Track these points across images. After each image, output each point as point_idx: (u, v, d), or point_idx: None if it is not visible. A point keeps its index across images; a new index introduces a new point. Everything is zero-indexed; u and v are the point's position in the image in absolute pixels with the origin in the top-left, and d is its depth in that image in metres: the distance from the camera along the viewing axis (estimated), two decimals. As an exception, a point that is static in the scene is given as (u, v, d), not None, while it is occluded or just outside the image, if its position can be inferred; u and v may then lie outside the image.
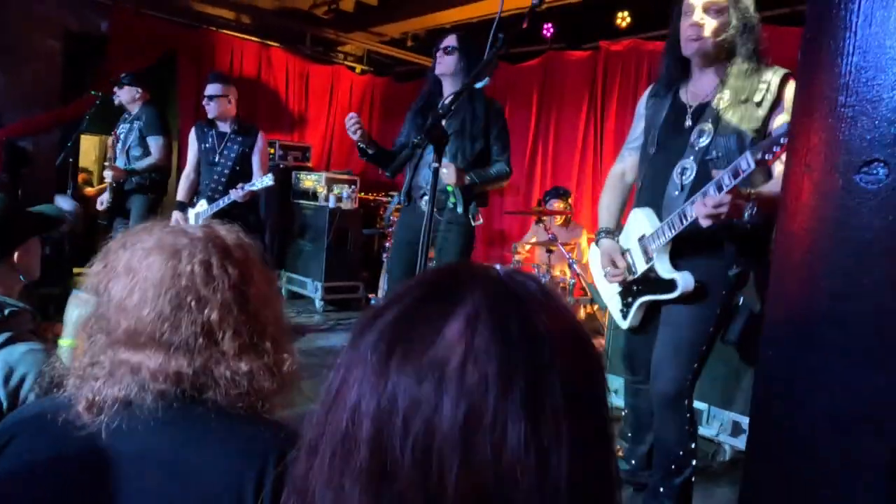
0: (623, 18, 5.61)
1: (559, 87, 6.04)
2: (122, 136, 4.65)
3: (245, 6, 6.50)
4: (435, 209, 2.95)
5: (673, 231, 2.02)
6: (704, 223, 1.87)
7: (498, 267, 0.55)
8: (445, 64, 3.10)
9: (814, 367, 0.67)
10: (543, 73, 6.14)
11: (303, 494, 0.51)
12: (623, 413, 2.69)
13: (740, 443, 2.92)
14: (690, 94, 2.13)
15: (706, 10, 1.96)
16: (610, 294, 2.44)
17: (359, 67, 7.69)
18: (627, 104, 5.37)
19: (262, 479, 0.82)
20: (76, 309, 1.38)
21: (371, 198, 6.71)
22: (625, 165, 2.40)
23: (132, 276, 0.90)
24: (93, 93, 5.03)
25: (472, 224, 3.08)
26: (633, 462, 2.52)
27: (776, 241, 0.72)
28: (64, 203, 2.36)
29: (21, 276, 1.58)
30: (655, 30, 5.30)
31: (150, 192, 4.58)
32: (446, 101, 1.91)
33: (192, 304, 0.89)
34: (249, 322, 0.94)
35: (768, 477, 0.69)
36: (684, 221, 1.97)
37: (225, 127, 4.23)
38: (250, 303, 0.95)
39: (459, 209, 3.03)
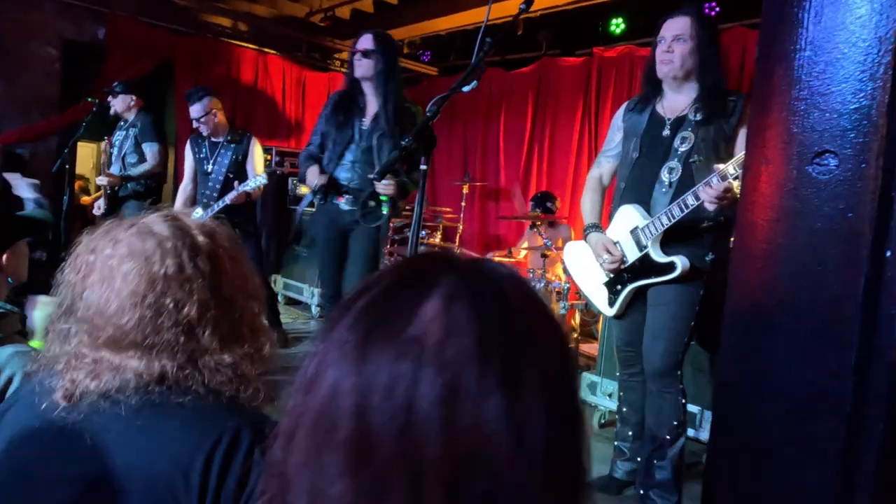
0: (617, 25, 5.66)
1: (554, 94, 6.08)
2: (117, 144, 4.68)
3: (242, 14, 6.55)
4: (355, 207, 3.12)
5: (672, 220, 2.25)
6: (711, 207, 2.13)
7: (470, 254, 0.57)
8: (364, 67, 3.10)
9: (771, 353, 0.69)
10: (538, 79, 6.18)
11: (280, 478, 0.52)
12: (619, 413, 2.72)
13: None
14: (667, 109, 2.42)
15: (674, 39, 2.30)
16: (593, 286, 2.63)
17: (355, 74, 7.73)
18: (621, 110, 5.40)
19: (212, 454, 0.83)
20: (42, 312, 1.40)
21: (367, 204, 6.73)
22: (602, 171, 2.67)
23: (107, 286, 0.91)
24: (89, 100, 5.06)
25: (386, 216, 3.16)
26: (640, 459, 2.55)
27: (736, 232, 0.74)
28: (24, 191, 2.35)
29: (9, 279, 1.60)
30: (648, 36, 5.34)
31: (146, 199, 4.60)
32: (433, 106, 1.94)
33: (171, 306, 0.91)
34: (226, 313, 0.96)
35: (731, 461, 0.71)
36: (684, 210, 2.21)
37: (219, 138, 4.26)
38: (225, 293, 0.97)
39: (385, 210, 3.12)
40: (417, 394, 0.46)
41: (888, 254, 0.62)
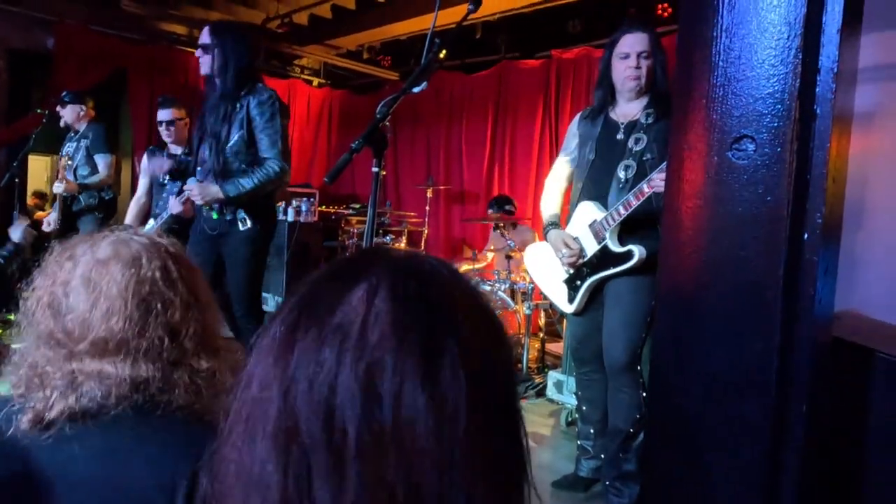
0: (574, 26, 5.73)
1: (514, 96, 6.12)
2: (69, 154, 4.55)
3: (197, 21, 6.44)
4: (216, 216, 2.96)
5: (628, 210, 2.33)
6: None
7: (406, 248, 0.58)
8: (205, 64, 2.94)
9: (700, 336, 0.69)
10: (498, 82, 6.22)
11: (217, 472, 0.53)
12: (580, 411, 2.74)
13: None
14: (620, 115, 2.51)
15: (639, 56, 2.40)
16: (555, 284, 2.67)
17: (316, 80, 7.68)
18: (581, 109, 5.47)
19: (196, 473, 0.82)
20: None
21: (332, 211, 6.68)
22: (560, 174, 2.75)
23: (94, 288, 0.90)
24: (38, 111, 4.92)
25: (243, 228, 2.95)
26: (604, 456, 2.56)
27: (663, 218, 0.74)
28: (14, 233, 2.35)
29: None
30: (605, 37, 5.42)
31: (99, 212, 4.48)
32: (383, 107, 1.93)
33: (159, 306, 0.92)
34: (204, 321, 0.98)
35: (664, 442, 0.71)
36: (640, 198, 2.29)
37: (176, 149, 4.15)
38: (201, 303, 0.99)
39: (229, 216, 2.96)
40: (339, 379, 0.47)
41: (806, 236, 0.63)
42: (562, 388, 3.81)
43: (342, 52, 7.11)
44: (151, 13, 6.10)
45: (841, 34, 0.61)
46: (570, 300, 2.60)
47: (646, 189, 2.26)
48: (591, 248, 2.50)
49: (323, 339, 0.49)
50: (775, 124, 0.64)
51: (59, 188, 4.28)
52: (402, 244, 5.64)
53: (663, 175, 2.17)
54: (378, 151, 1.92)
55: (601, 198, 2.46)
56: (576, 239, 2.54)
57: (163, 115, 4.06)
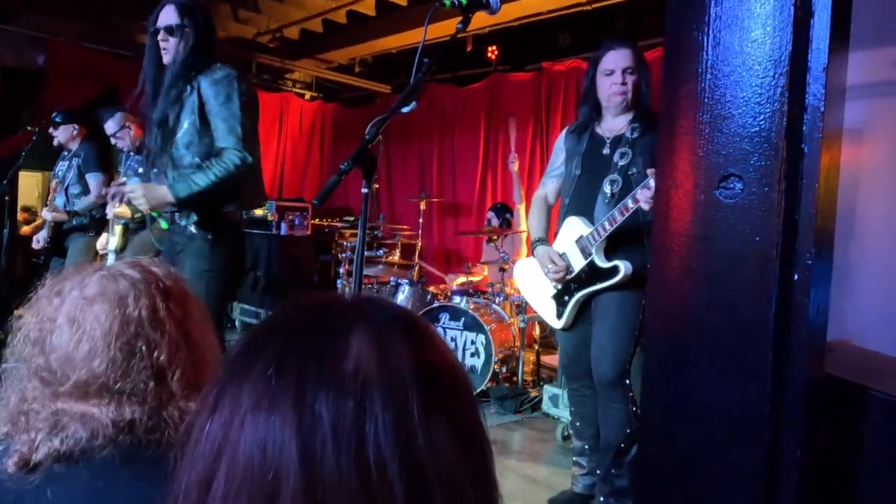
0: (563, 39, 5.76)
1: (505, 108, 6.14)
2: (59, 174, 4.52)
3: None
4: (166, 225, 2.44)
5: (614, 225, 2.32)
6: (646, 207, 2.19)
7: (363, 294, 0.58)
8: (171, 49, 2.43)
9: (691, 379, 0.68)
10: (490, 94, 6.24)
11: None
12: (573, 427, 2.73)
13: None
14: (606, 130, 2.52)
15: (624, 71, 2.41)
16: (544, 299, 2.67)
17: (308, 94, 7.69)
18: (571, 121, 5.49)
19: None
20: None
21: (325, 224, 6.66)
22: (547, 190, 2.75)
23: (77, 327, 0.88)
24: (28, 129, 4.89)
25: (200, 236, 2.46)
26: (599, 472, 2.53)
27: (651, 256, 0.73)
28: None
29: None
30: (594, 50, 5.45)
31: (90, 231, 4.44)
32: (372, 128, 1.89)
33: (143, 348, 0.89)
34: (193, 358, 0.95)
35: (657, 487, 0.70)
36: (625, 213, 2.28)
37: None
38: (192, 338, 0.96)
39: (184, 222, 2.47)
40: (367, 428, 0.46)
41: (796, 276, 0.62)
42: (557, 402, 3.79)
43: (333, 65, 7.12)
44: (142, 28, 6.09)
45: (827, 71, 0.61)
46: (559, 316, 2.60)
47: (630, 205, 2.25)
48: (579, 263, 2.50)
49: (341, 388, 0.47)
50: (763, 163, 0.63)
51: (48, 216, 4.22)
52: (396, 257, 5.62)
53: (646, 191, 2.17)
54: (367, 172, 1.89)
55: (587, 213, 2.47)
56: (563, 255, 2.54)
57: (107, 128, 4.04)
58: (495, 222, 5.23)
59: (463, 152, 6.44)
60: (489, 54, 6.22)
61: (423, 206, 5.79)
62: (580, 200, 2.51)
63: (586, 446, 2.64)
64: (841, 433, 0.68)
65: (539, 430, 3.88)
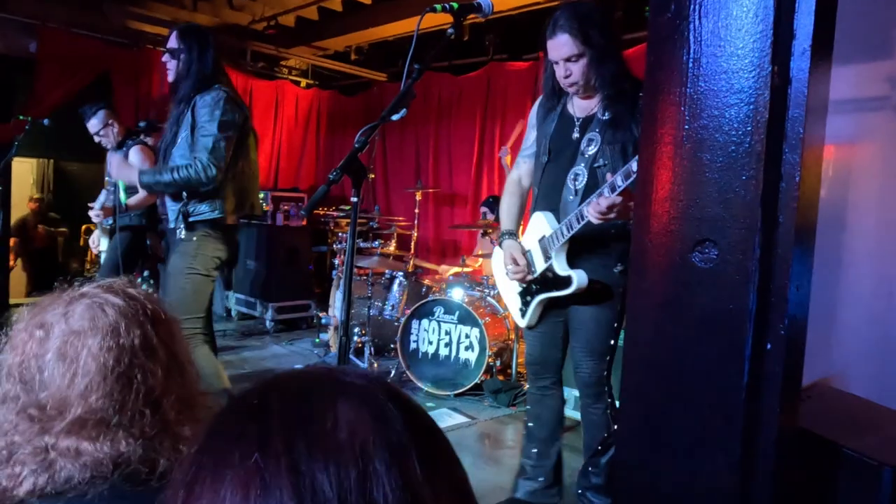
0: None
1: (502, 97, 6.09)
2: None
3: (182, 23, 6.36)
4: (178, 234, 2.81)
5: (571, 231, 2.19)
6: (595, 221, 2.05)
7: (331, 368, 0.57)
8: (172, 70, 2.84)
9: (661, 447, 0.67)
10: (487, 83, 6.18)
11: None
12: (526, 428, 2.62)
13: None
14: (577, 108, 2.32)
15: (567, 61, 2.18)
16: (511, 295, 2.57)
17: (304, 81, 7.61)
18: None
19: None
20: None
21: (321, 213, 6.64)
22: (520, 172, 2.57)
23: (70, 363, 0.85)
24: (21, 118, 4.84)
25: (184, 237, 2.80)
26: (542, 479, 2.51)
27: (627, 315, 0.72)
28: None
29: None
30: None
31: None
32: (361, 136, 1.89)
33: (139, 377, 0.87)
34: (184, 382, 0.94)
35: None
36: (581, 221, 2.14)
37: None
38: (179, 360, 0.95)
39: (172, 225, 2.81)
40: (375, 495, 0.45)
41: (769, 346, 0.61)
42: (550, 399, 3.80)
43: (329, 53, 7.05)
44: (137, 15, 6.02)
45: (803, 139, 0.59)
46: (523, 315, 2.50)
47: (585, 213, 2.09)
48: (540, 265, 2.37)
49: (341, 459, 0.46)
50: (738, 230, 0.62)
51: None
52: (392, 248, 5.61)
53: (596, 204, 2.01)
54: (357, 181, 1.88)
55: (555, 208, 2.32)
56: (528, 252, 2.41)
57: (91, 126, 4.00)
58: (490, 216, 5.22)
59: (459, 142, 6.41)
60: (486, 43, 6.15)
61: (418, 196, 5.76)
62: (548, 192, 2.35)
63: (535, 450, 2.53)
64: (814, 491, 0.68)
65: (531, 424, 3.91)
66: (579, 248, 2.28)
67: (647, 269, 0.69)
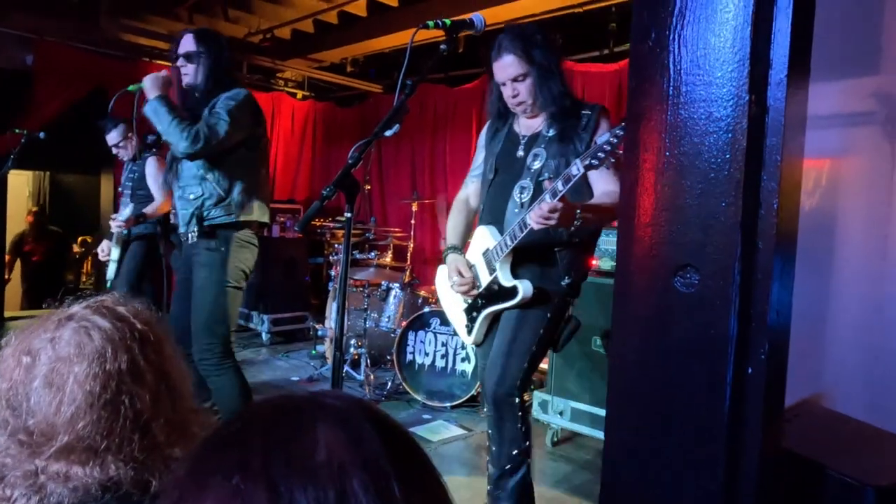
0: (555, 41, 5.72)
1: (498, 109, 6.11)
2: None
3: (178, 36, 6.39)
4: (190, 238, 2.78)
5: (514, 240, 2.17)
6: (536, 226, 2.03)
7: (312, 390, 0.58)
8: (190, 74, 2.80)
9: (648, 470, 0.68)
10: (482, 94, 6.19)
11: None
12: (489, 453, 2.48)
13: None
14: (523, 127, 2.36)
15: (514, 81, 2.23)
16: (457, 312, 2.53)
17: (300, 93, 7.64)
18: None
19: None
20: None
21: (317, 224, 6.64)
22: (468, 192, 2.58)
23: (57, 391, 0.85)
24: (17, 131, 4.84)
25: (212, 246, 2.75)
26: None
27: (612, 340, 0.73)
28: None
29: None
30: (587, 51, 5.44)
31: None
32: (354, 152, 1.90)
33: (127, 402, 0.87)
34: (174, 402, 0.93)
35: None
36: (524, 230, 2.12)
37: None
38: (171, 380, 0.94)
39: (196, 238, 2.74)
40: None
41: (750, 370, 0.62)
42: (547, 408, 3.81)
43: (325, 65, 7.08)
44: (133, 29, 6.04)
45: (781, 166, 0.60)
46: (469, 331, 2.45)
47: (528, 221, 2.07)
48: (485, 278, 2.33)
49: (319, 481, 0.47)
50: (718, 256, 0.63)
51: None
52: (388, 258, 5.62)
53: (538, 209, 1.99)
54: (350, 197, 1.89)
55: (498, 222, 2.31)
56: (472, 267, 2.38)
57: (110, 139, 4.13)
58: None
59: (455, 153, 6.43)
60: (481, 55, 6.19)
61: (415, 207, 5.78)
62: (493, 207, 2.35)
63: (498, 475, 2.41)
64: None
65: (528, 436, 3.91)
66: (524, 260, 2.27)
67: (629, 293, 0.70)
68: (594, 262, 3.68)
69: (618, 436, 0.72)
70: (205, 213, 2.75)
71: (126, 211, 3.87)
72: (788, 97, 0.60)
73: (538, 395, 3.95)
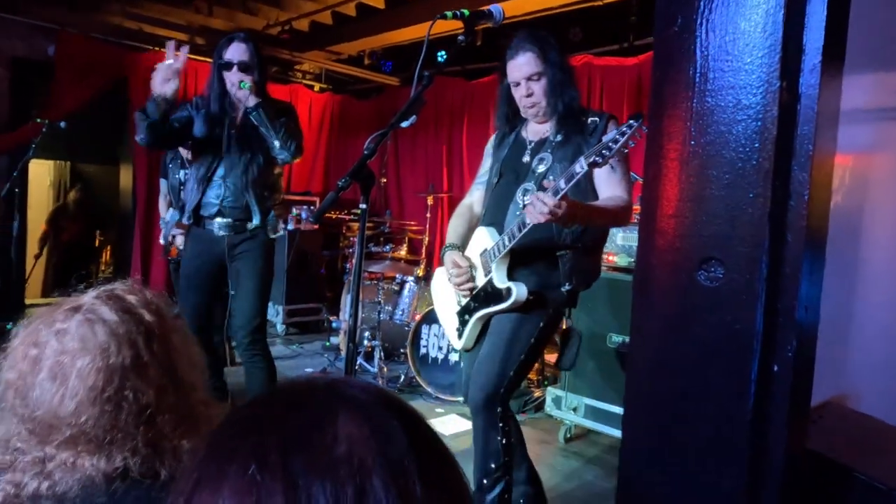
0: (575, 34, 5.67)
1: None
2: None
3: (198, 28, 6.42)
4: (231, 231, 2.94)
5: (512, 240, 2.11)
6: (533, 220, 1.97)
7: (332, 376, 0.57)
8: (246, 82, 2.82)
9: (669, 468, 0.66)
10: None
11: None
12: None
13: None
14: (531, 132, 2.34)
15: (529, 79, 2.21)
16: (449, 315, 2.49)
17: (317, 86, 7.65)
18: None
19: None
20: None
21: (332, 216, 6.65)
22: (473, 199, 2.55)
23: (60, 384, 0.86)
24: (38, 120, 4.90)
25: (272, 236, 3.02)
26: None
27: (630, 337, 0.71)
28: None
29: None
30: (606, 45, 5.38)
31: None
32: (370, 143, 1.88)
33: (130, 397, 0.87)
34: (181, 392, 0.93)
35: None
36: (523, 229, 2.07)
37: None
38: (179, 374, 0.94)
39: (256, 220, 2.93)
40: None
41: (776, 368, 0.60)
42: (560, 404, 3.79)
43: (343, 57, 7.07)
44: (150, 21, 6.08)
45: (813, 156, 0.58)
46: (459, 335, 2.39)
47: (527, 221, 2.02)
48: (481, 279, 2.28)
49: (338, 476, 0.45)
50: (745, 250, 0.61)
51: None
52: (403, 252, 5.61)
53: (532, 206, 1.93)
54: (365, 188, 1.88)
55: (499, 224, 2.26)
56: (470, 267, 2.34)
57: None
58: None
59: (471, 146, 6.40)
60: (499, 48, 6.15)
61: (430, 200, 5.76)
62: (494, 210, 2.32)
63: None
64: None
65: (542, 430, 3.90)
66: (525, 261, 2.20)
67: (651, 288, 0.68)
68: (612, 258, 3.65)
69: (636, 433, 0.70)
70: (267, 206, 2.95)
71: (170, 221, 3.94)
72: (822, 84, 0.57)
73: (552, 391, 3.93)
